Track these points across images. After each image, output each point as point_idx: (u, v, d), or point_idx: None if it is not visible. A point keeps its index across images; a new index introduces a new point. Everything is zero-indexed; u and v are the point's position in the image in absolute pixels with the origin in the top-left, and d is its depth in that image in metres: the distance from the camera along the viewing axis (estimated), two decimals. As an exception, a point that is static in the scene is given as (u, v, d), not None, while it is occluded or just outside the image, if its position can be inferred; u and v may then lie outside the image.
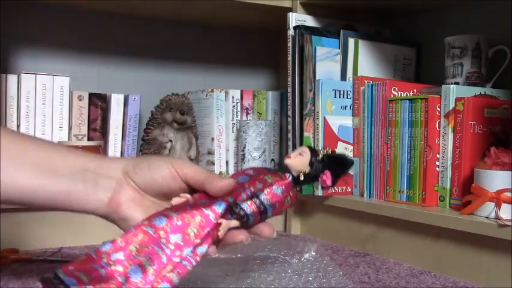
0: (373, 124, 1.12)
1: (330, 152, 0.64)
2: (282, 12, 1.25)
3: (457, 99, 0.98)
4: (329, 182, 0.62)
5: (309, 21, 1.24)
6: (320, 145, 1.17)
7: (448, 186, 0.99)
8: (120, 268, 0.49)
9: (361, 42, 1.23)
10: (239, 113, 1.41)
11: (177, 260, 0.52)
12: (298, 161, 0.61)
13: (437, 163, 1.01)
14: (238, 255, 0.99)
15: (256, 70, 1.62)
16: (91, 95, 1.28)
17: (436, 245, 0.96)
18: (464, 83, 1.10)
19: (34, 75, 1.21)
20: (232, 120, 1.40)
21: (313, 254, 0.98)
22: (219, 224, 0.55)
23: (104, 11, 1.38)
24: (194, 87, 1.46)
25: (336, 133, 1.17)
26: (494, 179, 0.88)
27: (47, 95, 1.22)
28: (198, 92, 1.41)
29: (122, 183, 0.58)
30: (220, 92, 1.38)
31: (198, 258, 0.54)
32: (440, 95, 1.01)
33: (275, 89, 1.53)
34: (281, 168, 0.62)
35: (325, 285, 0.82)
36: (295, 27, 1.20)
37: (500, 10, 1.15)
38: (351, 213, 1.14)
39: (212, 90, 1.37)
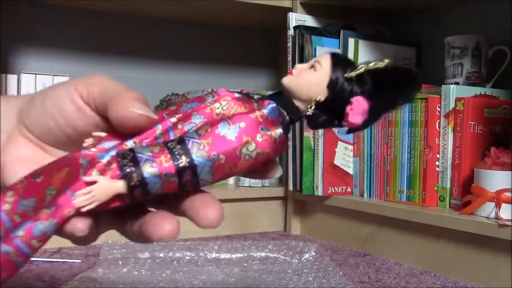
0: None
1: (380, 65, 0.35)
2: (282, 12, 1.25)
3: (457, 99, 0.98)
4: (357, 119, 0.34)
5: (309, 21, 1.24)
6: (320, 145, 1.16)
7: (448, 186, 0.99)
8: None
9: (361, 42, 1.23)
10: (239, 113, 1.40)
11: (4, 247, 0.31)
12: (305, 79, 0.34)
13: (437, 163, 1.01)
14: (238, 255, 0.99)
15: (256, 70, 1.62)
16: (91, 95, 1.28)
17: (436, 245, 0.96)
18: (464, 83, 1.10)
19: (34, 75, 1.21)
20: (232, 120, 1.40)
21: (313, 254, 0.98)
22: (89, 184, 0.31)
23: (104, 11, 1.38)
24: (194, 87, 1.46)
25: (336, 133, 1.17)
26: (494, 179, 0.88)
27: (47, 95, 1.22)
28: (198, 92, 1.41)
29: (13, 135, 0.37)
30: (220, 92, 1.38)
31: (34, 243, 0.31)
32: (440, 95, 1.01)
33: (275, 89, 1.53)
34: (275, 95, 0.35)
35: (325, 285, 0.82)
36: (295, 27, 1.20)
37: (500, 10, 1.15)
38: (351, 213, 1.14)
39: (212, 90, 1.37)
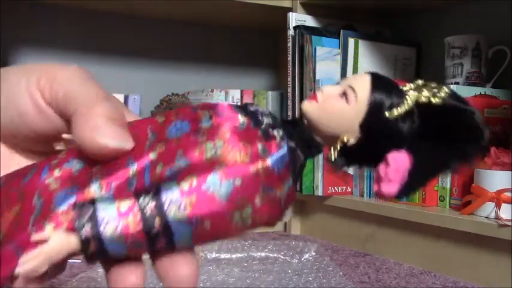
0: (373, 124, 1.12)
1: (435, 99, 0.25)
2: (282, 12, 1.25)
3: (457, 99, 0.98)
4: (392, 188, 0.26)
5: (309, 21, 1.24)
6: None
7: (448, 186, 0.99)
8: None
9: (361, 42, 1.23)
10: (239, 113, 1.40)
11: None
12: (332, 110, 0.26)
13: (437, 163, 1.01)
14: (238, 255, 0.99)
15: (256, 70, 1.62)
16: (91, 95, 1.28)
17: (436, 245, 0.96)
18: (464, 83, 1.10)
19: (34, 75, 1.21)
20: (232, 120, 1.39)
21: (313, 254, 0.98)
22: (34, 245, 0.24)
23: (104, 11, 1.38)
24: (194, 87, 1.46)
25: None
26: (494, 179, 0.88)
27: (47, 95, 1.22)
28: (198, 92, 1.41)
29: None
30: (220, 92, 1.38)
31: None
32: (440, 95, 1.01)
33: (275, 89, 1.53)
34: (287, 126, 0.27)
35: (325, 285, 0.82)
36: (295, 27, 1.20)
37: (500, 10, 1.15)
38: (351, 213, 1.14)
39: (212, 90, 1.37)
